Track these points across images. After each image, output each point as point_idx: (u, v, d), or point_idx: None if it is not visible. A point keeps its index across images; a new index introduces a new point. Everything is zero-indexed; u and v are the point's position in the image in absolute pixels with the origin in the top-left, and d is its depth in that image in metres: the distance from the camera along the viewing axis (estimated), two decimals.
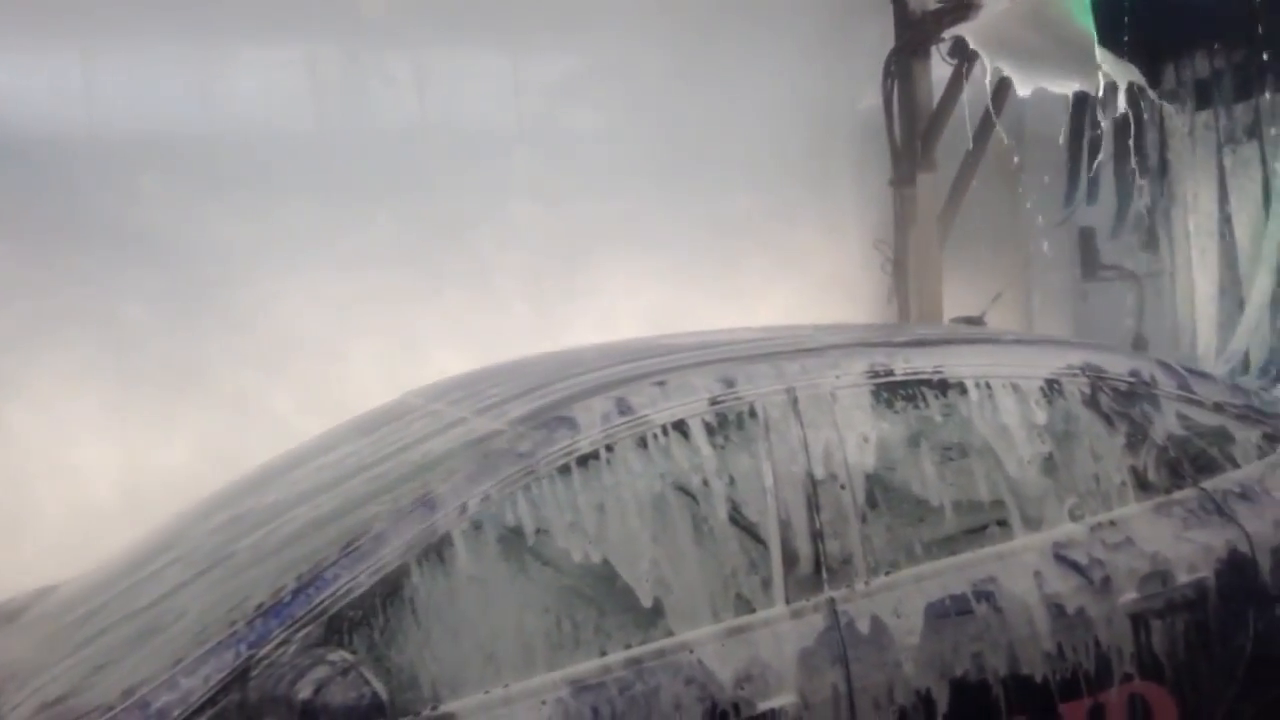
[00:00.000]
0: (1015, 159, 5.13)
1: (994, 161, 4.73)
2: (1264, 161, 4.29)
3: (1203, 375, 2.55)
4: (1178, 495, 2.34)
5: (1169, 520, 2.31)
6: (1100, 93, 3.90)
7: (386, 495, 2.00)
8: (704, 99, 4.99)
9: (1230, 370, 3.45)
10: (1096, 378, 2.39)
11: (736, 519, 2.09)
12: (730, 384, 2.20)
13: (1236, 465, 2.41)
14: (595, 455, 2.05)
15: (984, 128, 4.72)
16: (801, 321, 4.82)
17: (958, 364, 2.34)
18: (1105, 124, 4.50)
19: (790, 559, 2.08)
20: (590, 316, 4.98)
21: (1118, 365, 2.43)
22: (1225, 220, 4.48)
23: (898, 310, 4.86)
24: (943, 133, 4.68)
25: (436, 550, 1.89)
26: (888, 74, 4.73)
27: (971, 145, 4.70)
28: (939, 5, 4.52)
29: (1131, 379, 2.42)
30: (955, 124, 4.67)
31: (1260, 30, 3.97)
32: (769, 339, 2.50)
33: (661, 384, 2.18)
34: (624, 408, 2.12)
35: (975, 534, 2.22)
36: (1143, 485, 2.34)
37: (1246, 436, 2.44)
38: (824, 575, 2.09)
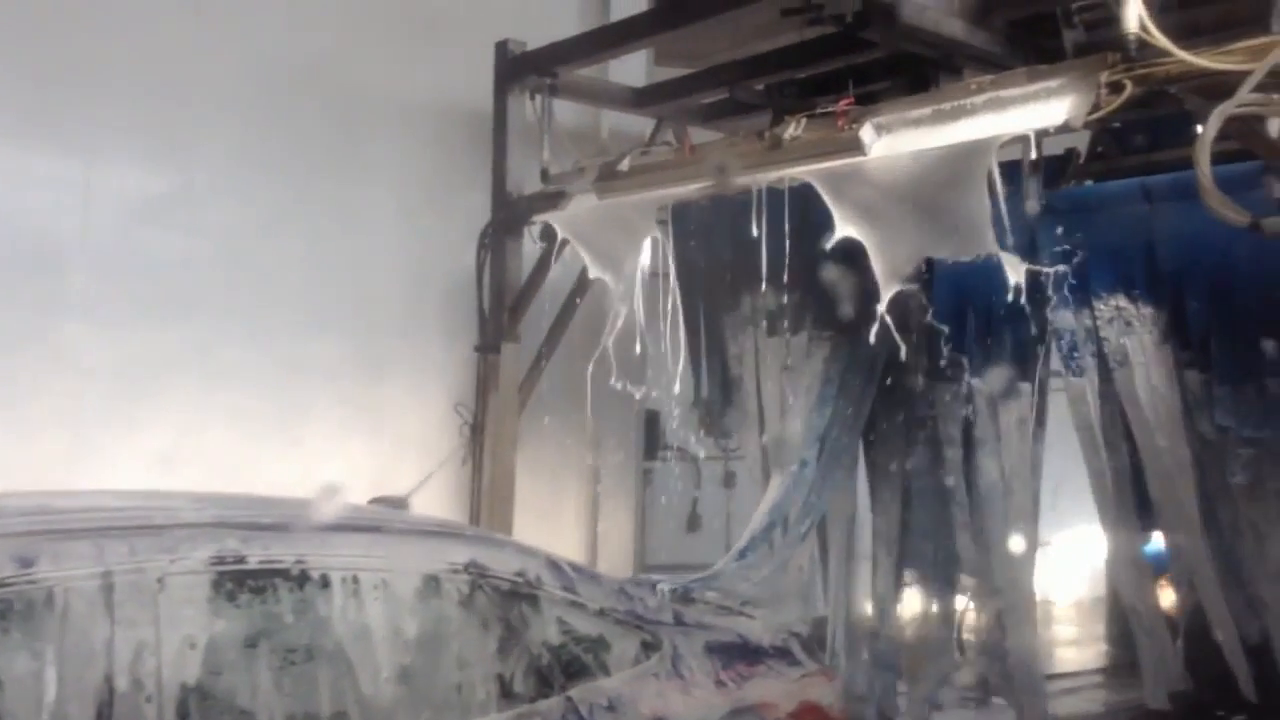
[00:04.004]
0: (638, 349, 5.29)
1: (575, 339, 4.88)
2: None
3: (592, 577, 2.57)
4: (542, 705, 2.28)
5: None
6: None
7: None
8: (296, 238, 4.84)
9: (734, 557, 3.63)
10: (479, 576, 2.32)
11: None
12: (28, 564, 1.90)
13: (609, 674, 2.40)
14: None
15: (567, 308, 4.91)
16: (378, 477, 4.66)
17: (328, 554, 2.18)
18: None
19: None
20: (140, 453, 4.51)
21: (505, 563, 2.39)
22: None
23: (471, 473, 4.80)
24: (529, 307, 4.80)
25: None
26: (482, 245, 4.83)
27: (554, 322, 4.85)
28: (533, 191, 4.71)
29: (516, 578, 2.37)
30: (541, 300, 4.82)
31: (800, 278, 4.28)
32: (126, 509, 2.24)
33: None
34: None
35: None
36: (507, 694, 2.26)
37: (625, 644, 2.45)
38: None
